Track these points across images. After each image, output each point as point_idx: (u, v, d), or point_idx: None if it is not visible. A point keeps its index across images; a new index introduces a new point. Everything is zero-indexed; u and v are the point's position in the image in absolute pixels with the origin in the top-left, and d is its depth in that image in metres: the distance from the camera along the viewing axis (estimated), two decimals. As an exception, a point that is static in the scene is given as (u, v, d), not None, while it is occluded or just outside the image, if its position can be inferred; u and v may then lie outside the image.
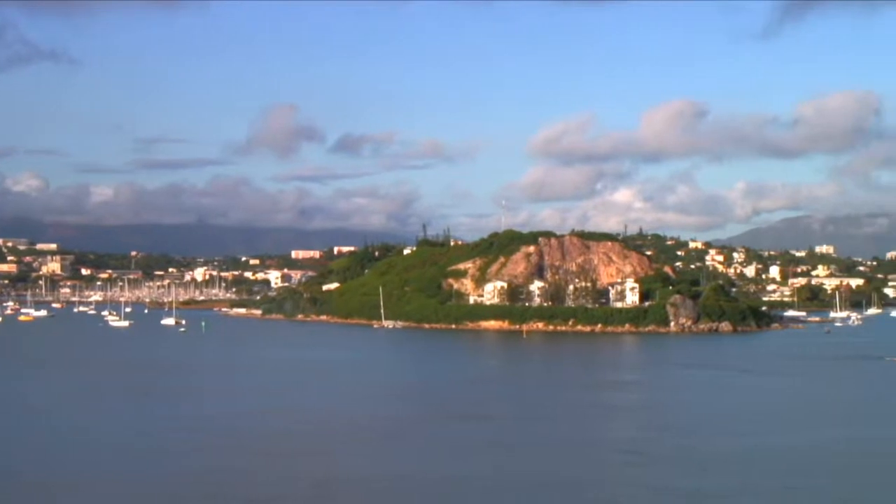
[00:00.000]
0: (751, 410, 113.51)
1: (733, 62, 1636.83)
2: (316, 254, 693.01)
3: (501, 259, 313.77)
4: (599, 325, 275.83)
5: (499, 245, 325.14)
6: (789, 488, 72.33)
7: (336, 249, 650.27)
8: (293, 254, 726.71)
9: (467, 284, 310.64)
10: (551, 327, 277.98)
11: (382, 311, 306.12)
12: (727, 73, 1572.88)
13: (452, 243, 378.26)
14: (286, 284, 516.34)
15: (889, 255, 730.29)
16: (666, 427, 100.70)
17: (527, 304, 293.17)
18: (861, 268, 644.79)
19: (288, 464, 78.85)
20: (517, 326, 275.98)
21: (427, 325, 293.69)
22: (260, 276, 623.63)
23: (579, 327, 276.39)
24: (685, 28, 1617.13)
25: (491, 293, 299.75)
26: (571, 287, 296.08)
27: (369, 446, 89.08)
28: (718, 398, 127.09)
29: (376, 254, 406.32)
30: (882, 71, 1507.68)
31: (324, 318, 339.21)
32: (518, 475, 75.91)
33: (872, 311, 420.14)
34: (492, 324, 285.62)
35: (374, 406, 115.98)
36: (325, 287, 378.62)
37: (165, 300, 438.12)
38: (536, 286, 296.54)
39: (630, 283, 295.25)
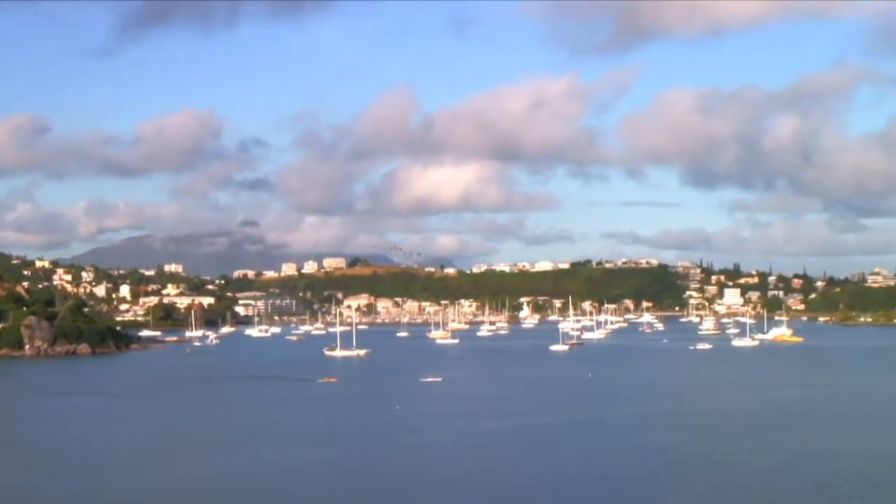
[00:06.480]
0: (142, 441, 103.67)
1: (76, 78, 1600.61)
2: None
3: None
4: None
5: None
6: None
7: None
8: None
9: None
10: None
11: None
12: (71, 89, 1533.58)
13: None
14: None
15: (235, 273, 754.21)
16: (53, 466, 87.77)
17: None
18: (210, 286, 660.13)
19: None
20: None
21: None
22: None
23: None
24: (23, 40, 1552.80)
25: None
26: None
27: None
28: (100, 429, 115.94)
29: None
30: (221, 92, 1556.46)
31: None
32: None
33: (227, 329, 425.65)
34: None
35: None
36: None
37: None
38: None
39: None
